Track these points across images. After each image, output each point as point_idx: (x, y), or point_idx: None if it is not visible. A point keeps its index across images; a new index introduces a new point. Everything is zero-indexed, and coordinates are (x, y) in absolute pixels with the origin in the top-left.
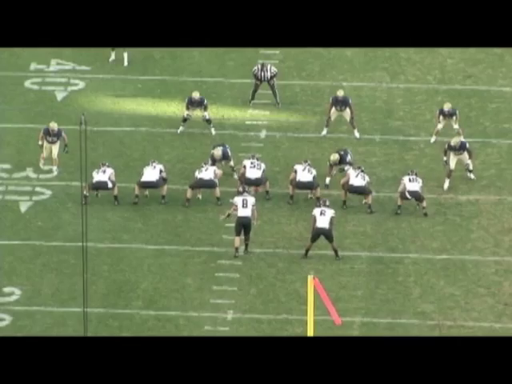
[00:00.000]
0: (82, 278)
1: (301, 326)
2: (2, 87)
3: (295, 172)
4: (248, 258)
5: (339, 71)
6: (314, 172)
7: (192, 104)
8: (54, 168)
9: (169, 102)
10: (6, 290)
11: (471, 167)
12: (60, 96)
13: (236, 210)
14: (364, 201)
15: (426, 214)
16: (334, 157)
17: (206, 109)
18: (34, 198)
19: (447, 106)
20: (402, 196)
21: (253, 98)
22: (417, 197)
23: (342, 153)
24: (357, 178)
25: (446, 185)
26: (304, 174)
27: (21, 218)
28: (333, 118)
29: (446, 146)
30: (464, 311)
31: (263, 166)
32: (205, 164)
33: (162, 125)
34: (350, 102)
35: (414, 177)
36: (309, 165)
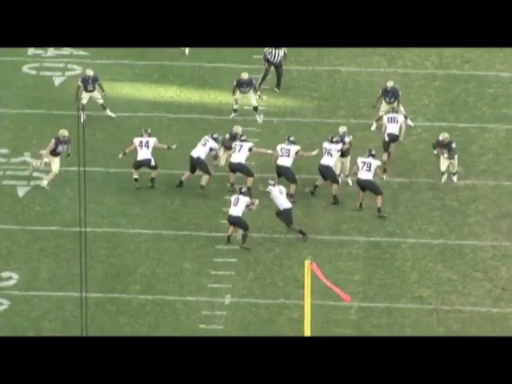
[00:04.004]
0: (79, 263)
1: (298, 310)
2: (0, 72)
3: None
4: (246, 243)
5: (336, 56)
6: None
7: (241, 86)
8: (47, 180)
9: (167, 87)
10: (4, 274)
11: (455, 169)
12: (58, 81)
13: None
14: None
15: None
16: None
17: (255, 90)
18: (32, 182)
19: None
20: (384, 140)
21: (261, 84)
22: (394, 139)
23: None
24: (362, 171)
25: (444, 179)
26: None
27: (18, 202)
28: (381, 110)
29: (435, 141)
30: (461, 296)
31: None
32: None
33: (159, 110)
34: (400, 94)
35: (395, 116)
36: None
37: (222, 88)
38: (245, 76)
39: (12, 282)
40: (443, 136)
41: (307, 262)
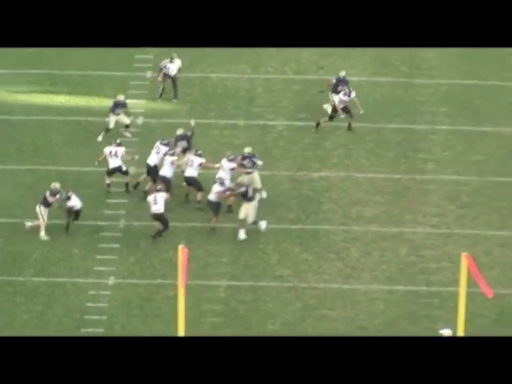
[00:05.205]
0: None
1: (173, 289)
2: None
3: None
4: (127, 230)
5: (208, 64)
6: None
7: (116, 107)
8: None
9: (57, 93)
10: None
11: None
12: None
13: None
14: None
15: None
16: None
17: (128, 113)
18: None
19: None
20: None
21: (161, 95)
22: (347, 111)
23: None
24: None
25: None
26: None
27: None
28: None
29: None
30: (316, 274)
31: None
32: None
33: (51, 113)
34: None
35: (348, 91)
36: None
37: (106, 94)
38: (121, 98)
39: None
40: (247, 149)
41: (181, 247)
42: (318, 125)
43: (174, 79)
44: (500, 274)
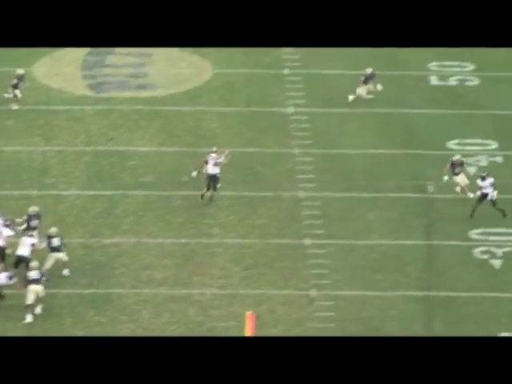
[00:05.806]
0: None
1: None
2: None
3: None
4: None
5: (1, 138)
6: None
7: None
8: None
9: None
10: None
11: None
12: None
13: None
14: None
15: None
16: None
17: None
18: None
19: None
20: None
21: None
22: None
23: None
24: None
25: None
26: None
27: None
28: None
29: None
30: (110, 335)
31: None
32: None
33: None
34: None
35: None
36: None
37: None
38: None
39: None
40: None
41: None
42: (210, 197)
43: None
44: (283, 330)
